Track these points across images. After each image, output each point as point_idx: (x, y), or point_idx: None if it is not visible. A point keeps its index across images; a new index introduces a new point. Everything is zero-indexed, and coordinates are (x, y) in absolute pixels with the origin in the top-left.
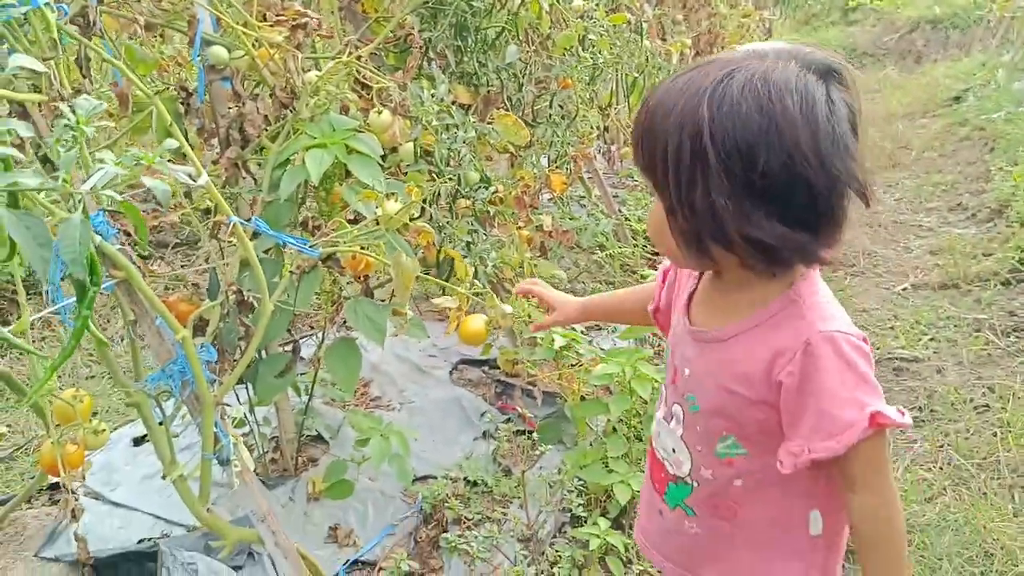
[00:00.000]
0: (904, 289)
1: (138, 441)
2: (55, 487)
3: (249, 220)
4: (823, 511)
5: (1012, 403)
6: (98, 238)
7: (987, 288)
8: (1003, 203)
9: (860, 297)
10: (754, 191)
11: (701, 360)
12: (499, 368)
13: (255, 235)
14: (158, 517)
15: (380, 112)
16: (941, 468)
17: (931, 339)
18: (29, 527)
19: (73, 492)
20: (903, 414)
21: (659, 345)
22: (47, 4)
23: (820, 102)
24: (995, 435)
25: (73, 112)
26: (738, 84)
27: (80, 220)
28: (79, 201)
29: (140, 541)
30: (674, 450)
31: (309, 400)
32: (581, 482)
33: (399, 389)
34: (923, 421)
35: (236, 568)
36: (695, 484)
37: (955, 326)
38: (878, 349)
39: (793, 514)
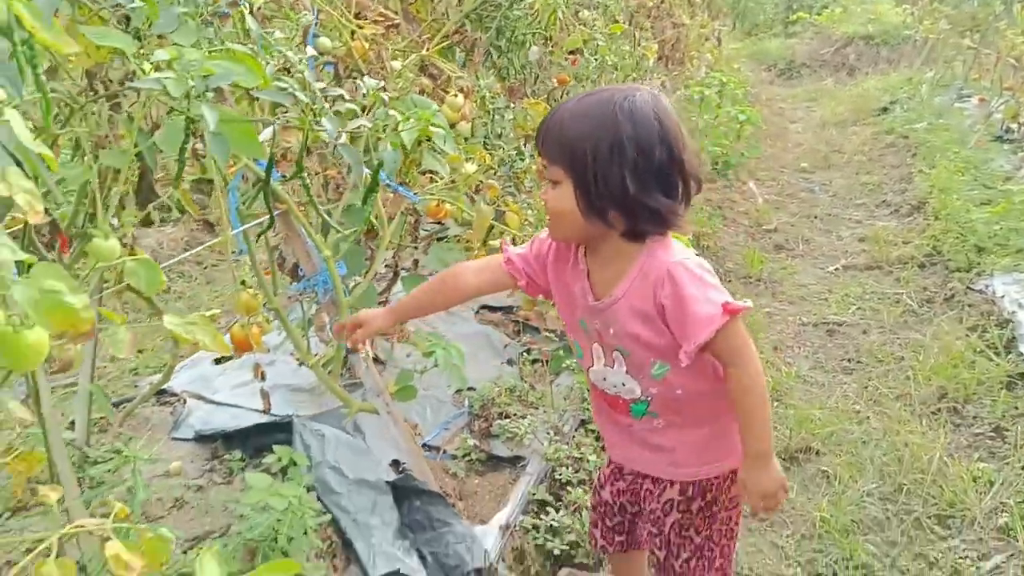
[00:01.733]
0: (836, 269)
1: (218, 361)
2: (160, 392)
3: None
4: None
5: (923, 354)
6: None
7: (906, 269)
8: (922, 200)
9: (799, 276)
10: (651, 174)
11: (613, 319)
12: (514, 312)
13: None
14: (255, 410)
15: (456, 95)
16: (866, 402)
17: (858, 308)
18: (152, 418)
19: (259, 365)
20: (745, 301)
21: None
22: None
23: (673, 116)
24: (908, 377)
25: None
26: (640, 103)
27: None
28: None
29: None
30: (624, 384)
31: None
32: None
33: (431, 327)
34: (852, 370)
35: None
36: (648, 398)
37: (878, 299)
38: (815, 315)
39: (714, 382)
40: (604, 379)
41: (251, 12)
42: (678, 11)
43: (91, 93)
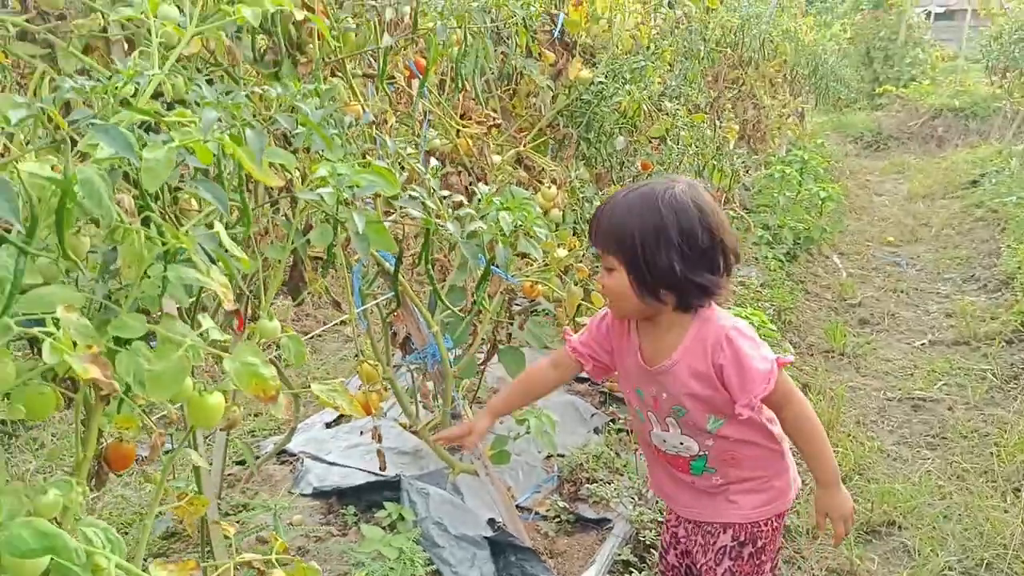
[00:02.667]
0: (923, 344)
1: (329, 425)
2: (281, 453)
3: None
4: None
5: (1009, 431)
6: (386, 263)
7: (993, 345)
8: (1010, 276)
9: (884, 350)
10: (696, 255)
11: (670, 383)
12: (601, 384)
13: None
14: (365, 471)
15: (549, 186)
16: (949, 478)
17: (944, 384)
18: (275, 475)
19: (376, 428)
20: (789, 354)
21: None
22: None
23: (710, 201)
24: (992, 454)
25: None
26: (679, 193)
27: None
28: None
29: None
30: (682, 443)
31: (479, 384)
32: None
33: None
34: (936, 445)
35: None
36: (705, 453)
37: (964, 374)
38: (899, 391)
39: (763, 434)
40: (664, 442)
41: (385, 122)
42: (759, 92)
43: (262, 200)
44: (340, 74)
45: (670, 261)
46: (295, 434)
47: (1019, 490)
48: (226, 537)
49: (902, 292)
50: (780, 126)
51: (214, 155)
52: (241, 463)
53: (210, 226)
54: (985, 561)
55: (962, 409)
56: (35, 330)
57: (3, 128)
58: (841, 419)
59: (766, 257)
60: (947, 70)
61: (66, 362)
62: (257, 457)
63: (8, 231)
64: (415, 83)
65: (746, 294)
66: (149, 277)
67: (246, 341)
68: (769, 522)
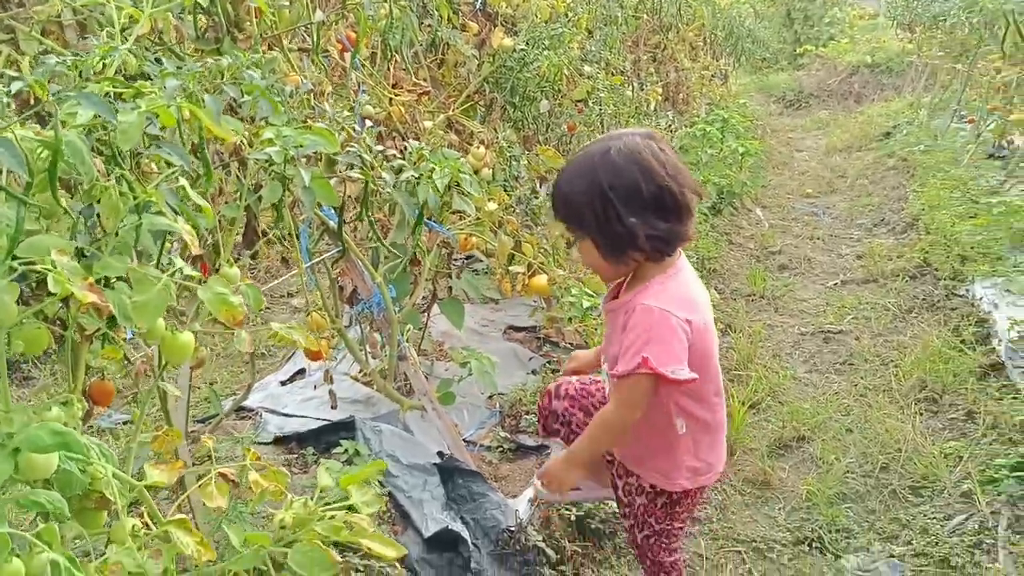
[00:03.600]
0: (835, 284)
1: (284, 383)
2: (240, 409)
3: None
4: (684, 418)
5: (907, 354)
6: (330, 222)
7: (898, 281)
8: (915, 217)
9: (800, 292)
10: (645, 207)
11: (608, 324)
12: (537, 331)
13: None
14: (321, 419)
15: (478, 147)
16: (853, 397)
17: (853, 318)
18: (236, 428)
19: (328, 371)
20: (679, 372)
21: None
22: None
23: (652, 149)
24: (892, 375)
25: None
26: (614, 153)
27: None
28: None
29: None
30: (605, 379)
31: (423, 335)
32: None
33: (464, 346)
34: (843, 371)
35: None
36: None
37: (871, 308)
38: (812, 326)
39: (661, 420)
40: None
41: (322, 94)
42: (680, 56)
43: (213, 165)
44: (277, 49)
45: (621, 220)
46: (252, 392)
47: (915, 403)
48: (206, 448)
49: (818, 239)
50: (703, 88)
51: (176, 119)
52: (202, 421)
53: (177, 182)
54: (882, 464)
55: (867, 338)
56: (38, 267)
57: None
58: (759, 353)
59: None
60: (866, 28)
61: (65, 292)
62: (215, 416)
63: None
64: (348, 56)
65: None
66: (125, 226)
67: (220, 276)
68: (661, 495)
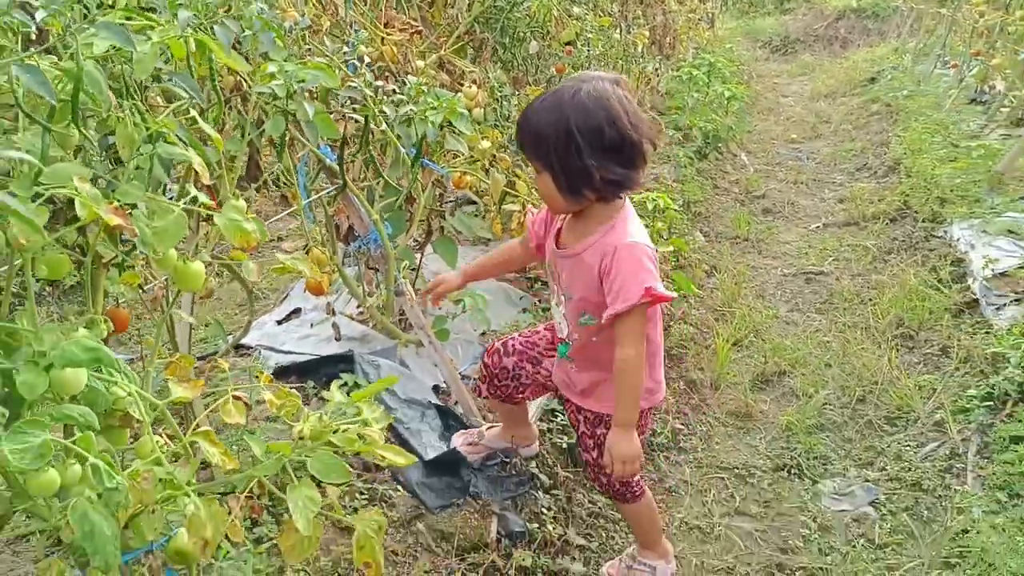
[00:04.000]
0: (817, 227)
1: (279, 322)
2: (238, 347)
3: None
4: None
5: (885, 293)
6: (327, 159)
7: (878, 223)
8: (897, 161)
9: (784, 235)
10: (606, 150)
11: (568, 268)
12: (527, 271)
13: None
14: (319, 356)
15: (470, 87)
16: (834, 334)
17: (834, 259)
18: (236, 365)
19: (330, 304)
20: (669, 289)
21: None
22: None
23: (620, 97)
24: (871, 312)
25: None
26: (584, 95)
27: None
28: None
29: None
30: (560, 321)
31: (416, 275)
32: None
33: None
34: (824, 310)
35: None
36: (571, 342)
37: (852, 250)
38: (795, 267)
39: None
40: (553, 314)
41: (318, 31)
42: None
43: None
44: None
45: (582, 159)
46: (249, 331)
47: (892, 339)
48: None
49: (802, 183)
50: (689, 31)
51: (186, 51)
52: (202, 358)
53: (186, 114)
54: (858, 396)
55: (847, 279)
56: (64, 190)
57: (21, 26)
58: (743, 293)
59: (678, 155)
60: None
61: (92, 216)
62: (214, 353)
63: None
64: None
65: (658, 189)
66: (141, 155)
67: (231, 203)
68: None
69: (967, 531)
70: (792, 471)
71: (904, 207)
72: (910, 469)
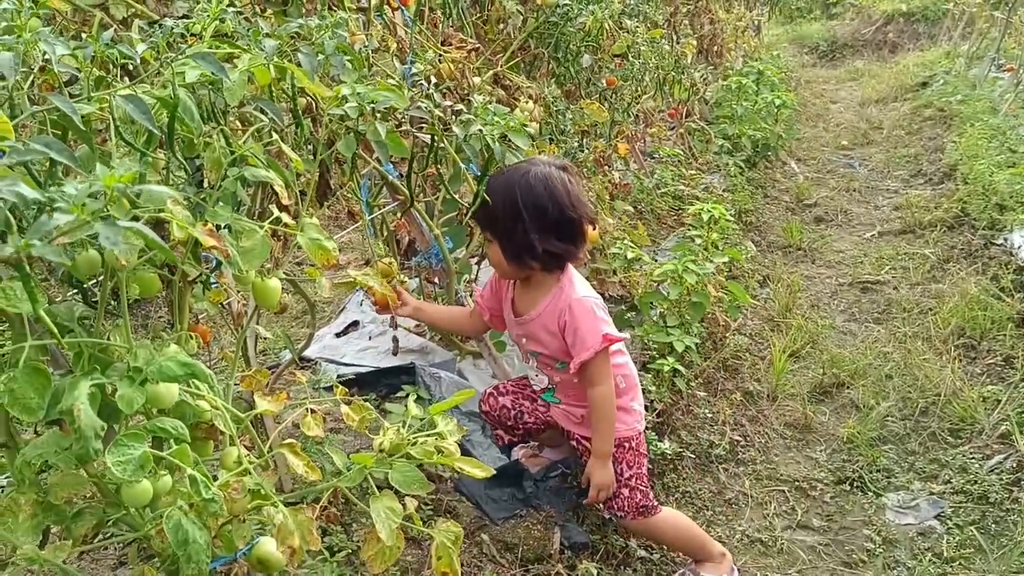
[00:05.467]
0: (872, 236)
1: (338, 335)
2: (300, 359)
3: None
4: (619, 374)
5: (945, 303)
6: (390, 175)
7: (935, 231)
8: (952, 167)
9: (837, 243)
10: (547, 227)
11: (529, 332)
12: None
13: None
14: (379, 367)
15: (526, 102)
16: (892, 344)
17: (890, 268)
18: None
19: (394, 317)
20: (622, 331)
21: None
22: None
23: (564, 181)
24: (931, 322)
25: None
26: (532, 177)
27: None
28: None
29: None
30: (536, 376)
31: (472, 287)
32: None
33: None
34: (882, 320)
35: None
36: (553, 386)
37: (909, 259)
38: (850, 276)
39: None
40: (528, 374)
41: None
42: (714, 7)
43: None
44: (338, 8)
45: (525, 233)
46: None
47: (954, 349)
48: (298, 384)
49: (854, 191)
50: (736, 39)
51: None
52: (270, 368)
53: (266, 137)
54: (921, 407)
55: (905, 288)
56: (161, 213)
57: (124, 57)
58: (797, 303)
59: (727, 164)
60: None
61: (186, 237)
62: (277, 365)
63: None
64: (398, 15)
65: (709, 199)
66: (228, 177)
67: (309, 222)
68: (627, 441)
69: None
70: (854, 484)
71: (962, 214)
72: (976, 482)
